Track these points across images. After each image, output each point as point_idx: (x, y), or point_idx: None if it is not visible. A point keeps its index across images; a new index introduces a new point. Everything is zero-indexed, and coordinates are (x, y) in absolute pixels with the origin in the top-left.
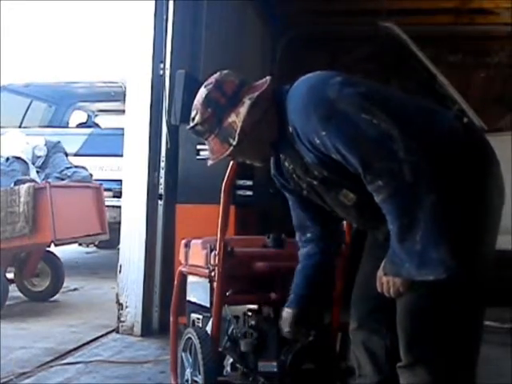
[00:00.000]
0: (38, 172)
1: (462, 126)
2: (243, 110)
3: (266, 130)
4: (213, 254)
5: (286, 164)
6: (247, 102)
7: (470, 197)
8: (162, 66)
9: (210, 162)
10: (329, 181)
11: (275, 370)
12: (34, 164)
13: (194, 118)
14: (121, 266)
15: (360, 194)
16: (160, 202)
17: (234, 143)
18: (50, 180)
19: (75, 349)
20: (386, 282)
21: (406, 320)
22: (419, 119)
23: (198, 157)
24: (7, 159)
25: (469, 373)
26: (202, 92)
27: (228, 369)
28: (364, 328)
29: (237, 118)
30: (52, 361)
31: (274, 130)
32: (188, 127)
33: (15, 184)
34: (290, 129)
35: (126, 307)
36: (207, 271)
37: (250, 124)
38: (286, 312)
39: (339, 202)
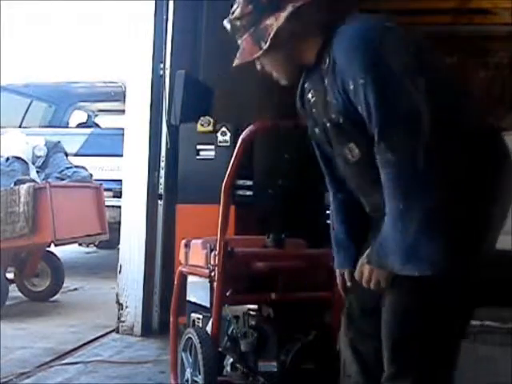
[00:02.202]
0: (37, 172)
1: (485, 127)
2: (283, 14)
3: (302, 48)
4: (213, 254)
5: (309, 96)
6: (289, 9)
7: (478, 198)
8: (161, 66)
9: (236, 62)
10: (342, 128)
11: (275, 369)
12: (34, 164)
13: (233, 12)
14: (121, 266)
15: (366, 153)
16: (160, 202)
17: (265, 47)
18: (49, 180)
19: (75, 349)
20: (367, 271)
21: (390, 323)
22: (453, 111)
23: (198, 157)
24: (7, 159)
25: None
26: None
27: (228, 369)
28: (354, 329)
29: (275, 22)
30: (52, 361)
31: (311, 53)
32: (225, 20)
33: (15, 184)
34: (328, 62)
35: (126, 307)
36: (207, 271)
37: (286, 32)
38: (346, 273)
39: (343, 156)
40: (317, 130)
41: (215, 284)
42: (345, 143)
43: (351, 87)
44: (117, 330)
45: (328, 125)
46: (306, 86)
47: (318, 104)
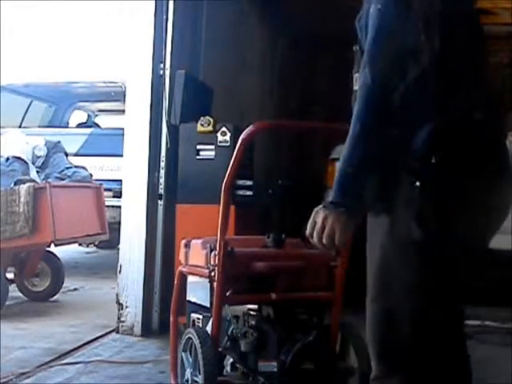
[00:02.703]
0: (37, 172)
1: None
2: None
3: None
4: (213, 254)
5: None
6: None
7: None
8: (161, 66)
9: None
10: (358, 53)
11: (275, 369)
12: (33, 164)
13: None
14: (121, 266)
15: None
16: (160, 202)
17: None
18: (49, 180)
19: (75, 349)
20: (320, 218)
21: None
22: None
23: (198, 157)
24: (7, 159)
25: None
26: None
27: (228, 369)
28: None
29: None
30: (52, 361)
31: None
32: None
33: (15, 184)
34: None
35: (126, 307)
36: (207, 271)
37: None
38: None
39: (354, 80)
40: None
41: (215, 284)
42: (358, 70)
43: (371, 10)
44: (117, 330)
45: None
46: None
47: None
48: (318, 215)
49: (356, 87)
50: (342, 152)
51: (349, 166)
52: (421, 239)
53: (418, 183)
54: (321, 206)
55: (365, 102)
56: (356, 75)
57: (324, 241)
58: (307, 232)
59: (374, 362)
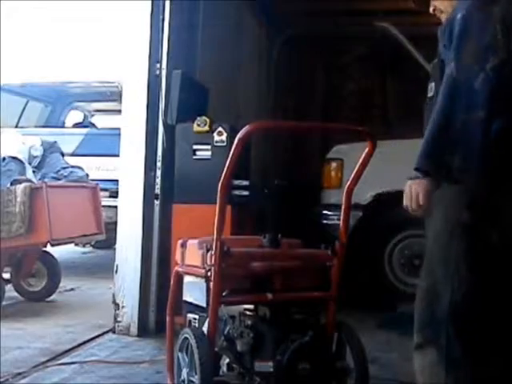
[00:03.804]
0: (34, 172)
1: None
2: None
3: None
4: (209, 253)
5: None
6: None
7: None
8: (158, 65)
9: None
10: (435, 67)
11: (271, 369)
12: (30, 164)
13: None
14: (117, 266)
15: (437, 92)
16: (156, 202)
17: None
18: (46, 180)
19: (71, 349)
20: (407, 189)
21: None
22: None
23: (195, 157)
24: (3, 159)
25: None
26: None
27: (224, 369)
28: None
29: None
30: (48, 361)
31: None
32: None
33: (11, 184)
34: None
35: (123, 307)
36: (204, 271)
37: None
38: None
39: (429, 89)
40: None
41: (211, 284)
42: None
43: (458, 17)
44: (113, 330)
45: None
46: None
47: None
48: (406, 188)
49: (430, 94)
50: (428, 131)
51: (433, 141)
52: (469, 223)
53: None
54: (407, 181)
55: (451, 90)
56: (431, 84)
57: (413, 205)
58: (404, 203)
59: (415, 333)
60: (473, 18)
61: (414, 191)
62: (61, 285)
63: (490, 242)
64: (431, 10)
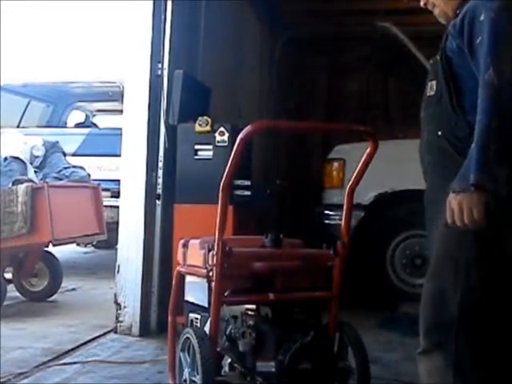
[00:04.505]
0: (35, 172)
1: None
2: None
3: None
4: (211, 253)
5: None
6: None
7: None
8: (159, 65)
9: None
10: (439, 63)
11: (273, 369)
12: (31, 164)
13: None
14: (119, 266)
15: (440, 92)
16: (158, 202)
17: None
18: (47, 180)
19: (73, 349)
20: (455, 204)
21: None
22: None
23: (196, 157)
24: (5, 159)
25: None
26: None
27: (226, 369)
28: None
29: None
30: (50, 361)
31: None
32: None
33: (13, 184)
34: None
35: (124, 307)
36: (205, 271)
37: None
38: None
39: (428, 88)
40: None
41: (213, 284)
42: (432, 79)
43: (482, 18)
44: (115, 330)
45: (437, 57)
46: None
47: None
48: (452, 202)
49: (431, 93)
50: (475, 143)
51: (484, 155)
52: (483, 230)
53: None
54: (451, 195)
55: (494, 99)
56: (432, 82)
57: (465, 221)
58: (449, 221)
59: (421, 337)
60: (504, 21)
61: (466, 206)
62: (62, 285)
63: (506, 250)
64: (422, 3)
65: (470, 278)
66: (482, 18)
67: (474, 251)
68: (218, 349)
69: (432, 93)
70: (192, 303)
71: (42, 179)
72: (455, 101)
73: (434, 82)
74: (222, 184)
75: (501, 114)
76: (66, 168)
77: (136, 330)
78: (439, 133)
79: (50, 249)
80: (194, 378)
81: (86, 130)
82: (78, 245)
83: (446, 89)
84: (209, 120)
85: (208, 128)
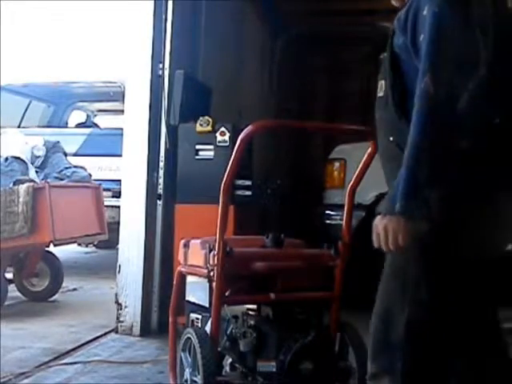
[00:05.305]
0: (36, 172)
1: None
2: None
3: None
4: (212, 253)
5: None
6: None
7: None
8: (161, 66)
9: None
10: (386, 61)
11: (274, 369)
12: (32, 164)
13: None
14: (120, 266)
15: (388, 93)
16: (159, 202)
17: None
18: (49, 180)
19: (74, 349)
20: (381, 228)
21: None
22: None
23: (197, 157)
24: (6, 159)
25: None
26: None
27: (227, 369)
28: None
29: None
30: (51, 361)
31: None
32: None
33: (14, 184)
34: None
35: (125, 307)
36: (206, 271)
37: None
38: None
39: (378, 88)
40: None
41: (214, 284)
42: (380, 78)
43: (424, 13)
44: (116, 330)
45: (385, 54)
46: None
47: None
48: (379, 225)
49: (381, 94)
50: (404, 163)
51: (413, 179)
52: (428, 239)
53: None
54: (378, 217)
55: (429, 112)
56: (381, 82)
57: (390, 247)
58: (375, 243)
59: (368, 361)
60: (447, 18)
61: (391, 232)
62: (63, 285)
63: (455, 258)
64: None
65: (418, 293)
66: (425, 11)
67: (422, 264)
68: (219, 349)
69: (381, 94)
70: (193, 303)
71: (43, 179)
72: (400, 104)
73: (383, 82)
74: (222, 184)
75: (435, 130)
76: (67, 168)
77: (137, 329)
78: (391, 138)
79: (51, 249)
80: (194, 378)
81: (87, 130)
82: (79, 245)
83: (391, 91)
84: (210, 120)
85: (209, 128)
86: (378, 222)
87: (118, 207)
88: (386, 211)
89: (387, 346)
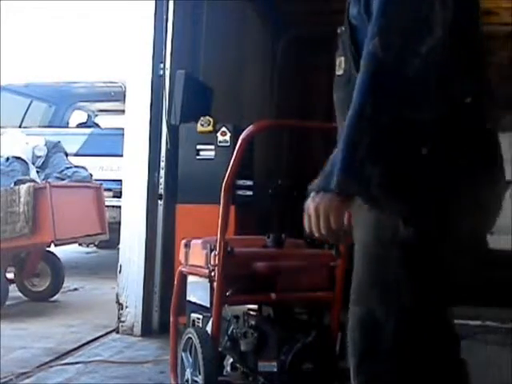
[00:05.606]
0: (38, 172)
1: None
2: None
3: None
4: (213, 253)
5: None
6: None
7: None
8: (161, 66)
9: None
10: (344, 35)
11: (275, 369)
12: (34, 164)
13: None
14: (121, 266)
15: (349, 70)
16: (160, 202)
17: None
18: (50, 180)
19: (75, 349)
20: (312, 209)
21: (354, 329)
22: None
23: (198, 157)
24: (7, 159)
25: None
26: None
27: (228, 369)
28: None
29: None
30: (52, 361)
31: None
32: None
33: (15, 184)
34: None
35: (126, 307)
36: (207, 271)
37: None
38: None
39: (337, 65)
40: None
41: (215, 284)
42: (341, 54)
43: None
44: (117, 330)
45: (342, 28)
46: None
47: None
48: (309, 207)
49: (340, 72)
50: (344, 133)
51: (354, 151)
52: (408, 239)
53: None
54: (310, 196)
55: (375, 76)
56: (341, 58)
57: (321, 230)
58: (306, 227)
59: (352, 372)
60: None
61: (322, 212)
62: (64, 285)
63: (441, 260)
64: None
65: (402, 298)
66: None
67: (402, 267)
68: (220, 349)
69: (341, 72)
70: (194, 303)
71: (44, 179)
72: None
73: (343, 59)
74: (224, 184)
75: (381, 96)
76: (68, 168)
77: (138, 329)
78: None
79: (52, 249)
80: (195, 378)
81: (88, 130)
82: (80, 245)
83: (355, 66)
84: (211, 120)
85: (210, 128)
86: (310, 202)
87: (119, 207)
88: (318, 188)
89: (374, 354)
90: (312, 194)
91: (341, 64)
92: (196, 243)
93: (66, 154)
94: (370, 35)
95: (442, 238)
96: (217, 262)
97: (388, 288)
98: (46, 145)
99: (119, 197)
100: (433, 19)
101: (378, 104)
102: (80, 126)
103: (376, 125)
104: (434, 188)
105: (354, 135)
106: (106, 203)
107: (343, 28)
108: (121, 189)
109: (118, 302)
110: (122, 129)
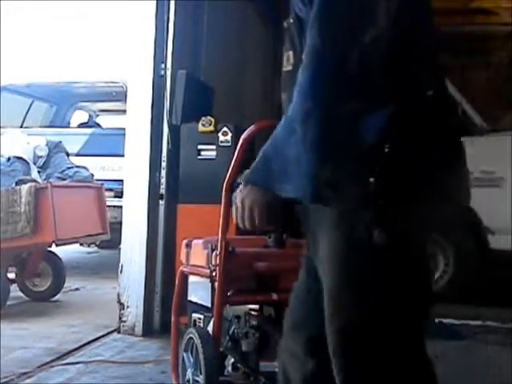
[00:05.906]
0: (39, 172)
1: None
2: None
3: None
4: (214, 254)
5: None
6: None
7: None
8: (163, 66)
9: None
10: (292, 28)
11: (276, 370)
12: (35, 164)
13: None
14: (122, 266)
15: (298, 65)
16: (161, 202)
17: None
18: (51, 180)
19: (76, 349)
20: (239, 200)
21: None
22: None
23: (199, 157)
24: (8, 159)
25: None
26: None
27: (229, 369)
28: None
29: None
30: (53, 361)
31: None
32: None
33: (16, 184)
34: None
35: (128, 307)
36: (208, 271)
37: None
38: None
39: (285, 60)
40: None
41: (216, 284)
42: (289, 48)
43: None
44: (118, 330)
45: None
46: None
47: None
48: (237, 199)
49: (288, 68)
50: (281, 123)
51: (292, 145)
52: (384, 245)
53: (372, 179)
54: (239, 188)
55: (315, 68)
56: (289, 53)
57: (246, 224)
58: (237, 220)
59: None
60: None
61: (247, 205)
62: (65, 285)
63: (419, 258)
64: None
65: (380, 305)
66: None
67: (379, 269)
68: (221, 349)
69: (289, 67)
70: (195, 303)
71: (45, 179)
72: None
73: (291, 53)
74: (225, 184)
75: (323, 88)
76: (69, 168)
77: (139, 329)
78: None
79: (54, 249)
80: (197, 378)
81: (90, 130)
82: (81, 245)
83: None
84: (212, 120)
85: (211, 128)
86: (239, 193)
87: (121, 207)
88: (247, 180)
89: (366, 370)
90: (240, 187)
91: (289, 59)
92: (197, 243)
93: (68, 154)
94: (310, 26)
95: (414, 239)
96: (218, 262)
97: (365, 295)
98: (47, 145)
99: (120, 197)
100: (376, 8)
101: (320, 96)
102: (81, 125)
103: (319, 118)
104: (401, 188)
105: (291, 132)
106: (108, 203)
107: (291, 21)
108: (122, 189)
109: (119, 301)
110: (124, 129)
